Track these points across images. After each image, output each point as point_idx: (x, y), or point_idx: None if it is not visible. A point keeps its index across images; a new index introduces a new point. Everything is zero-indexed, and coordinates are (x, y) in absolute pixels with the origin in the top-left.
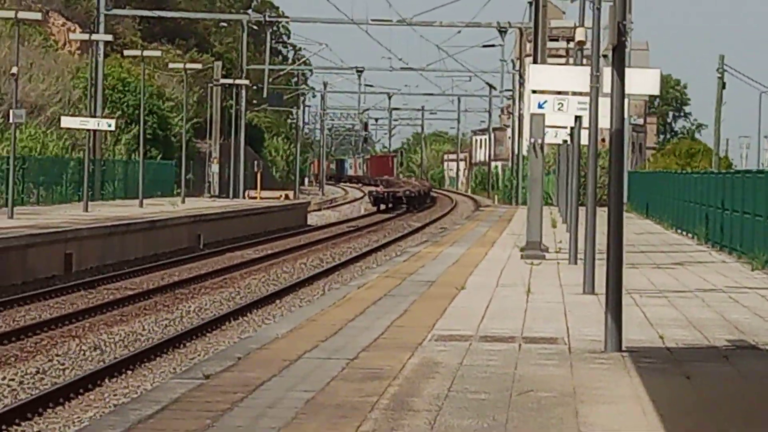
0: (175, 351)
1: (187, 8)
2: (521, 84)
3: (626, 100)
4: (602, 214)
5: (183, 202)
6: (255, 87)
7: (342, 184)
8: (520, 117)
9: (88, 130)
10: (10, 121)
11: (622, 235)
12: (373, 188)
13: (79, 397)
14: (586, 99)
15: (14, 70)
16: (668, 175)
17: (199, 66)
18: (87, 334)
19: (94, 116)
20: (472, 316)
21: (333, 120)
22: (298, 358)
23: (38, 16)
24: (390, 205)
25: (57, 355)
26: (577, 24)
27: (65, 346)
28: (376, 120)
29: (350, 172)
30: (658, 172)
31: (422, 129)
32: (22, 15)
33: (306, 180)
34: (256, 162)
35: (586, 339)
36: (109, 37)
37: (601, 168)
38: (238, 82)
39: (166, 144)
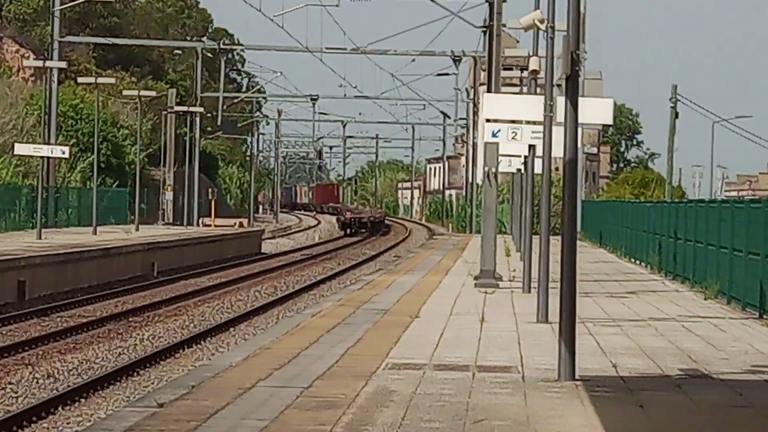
0: (129, 379)
1: (141, 35)
2: (475, 112)
3: (579, 130)
4: (556, 242)
5: (137, 229)
6: (209, 114)
7: (296, 211)
8: (475, 145)
9: (42, 157)
10: None
11: (575, 264)
12: (334, 215)
13: (32, 425)
14: (540, 128)
15: None
16: (622, 204)
17: (153, 93)
18: (40, 362)
19: (48, 143)
20: (426, 345)
21: (287, 148)
22: (252, 386)
23: None
24: (354, 230)
25: (10, 383)
26: (531, 53)
27: (18, 374)
28: (331, 148)
29: (293, 200)
30: (611, 200)
31: (376, 157)
32: None
33: (260, 208)
34: (210, 189)
35: (540, 368)
36: (63, 64)
37: (554, 197)
38: (192, 109)
39: (120, 171)
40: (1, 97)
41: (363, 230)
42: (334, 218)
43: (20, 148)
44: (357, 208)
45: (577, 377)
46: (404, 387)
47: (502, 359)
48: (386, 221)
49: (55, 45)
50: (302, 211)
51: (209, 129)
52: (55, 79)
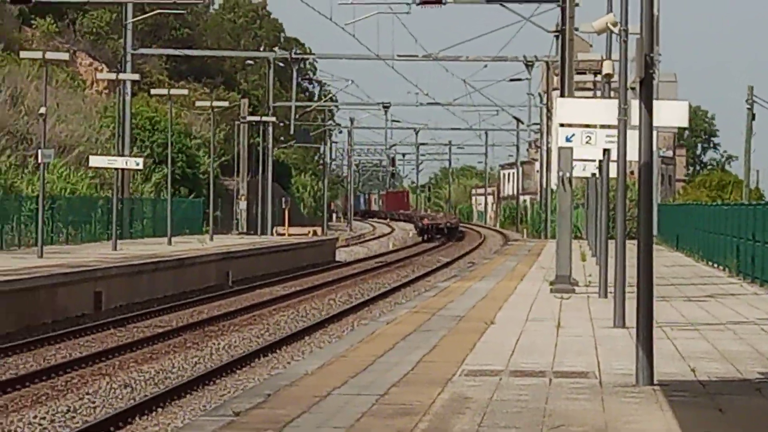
0: (205, 388)
1: (213, 46)
2: (549, 117)
3: (654, 133)
4: (632, 246)
5: (211, 239)
6: (282, 124)
7: (369, 219)
8: (548, 150)
9: (117, 169)
10: (39, 161)
11: (652, 268)
12: (406, 222)
13: None
14: (614, 132)
15: (42, 110)
16: (698, 208)
17: (226, 104)
18: (117, 372)
19: (122, 155)
20: (502, 351)
21: (360, 156)
22: (327, 394)
23: (66, 56)
24: (431, 236)
25: (87, 394)
26: (605, 57)
27: (95, 384)
28: (404, 155)
29: (363, 207)
30: (688, 204)
31: (449, 163)
32: (49, 56)
33: (333, 216)
34: (283, 198)
35: (618, 373)
36: (136, 77)
37: (630, 201)
38: (264, 119)
39: (194, 182)
40: (75, 110)
41: (439, 236)
42: (407, 225)
43: (95, 161)
44: (432, 215)
45: (655, 382)
46: (480, 393)
47: (579, 365)
48: (460, 227)
49: (128, 57)
50: (374, 219)
51: (282, 138)
52: (128, 91)
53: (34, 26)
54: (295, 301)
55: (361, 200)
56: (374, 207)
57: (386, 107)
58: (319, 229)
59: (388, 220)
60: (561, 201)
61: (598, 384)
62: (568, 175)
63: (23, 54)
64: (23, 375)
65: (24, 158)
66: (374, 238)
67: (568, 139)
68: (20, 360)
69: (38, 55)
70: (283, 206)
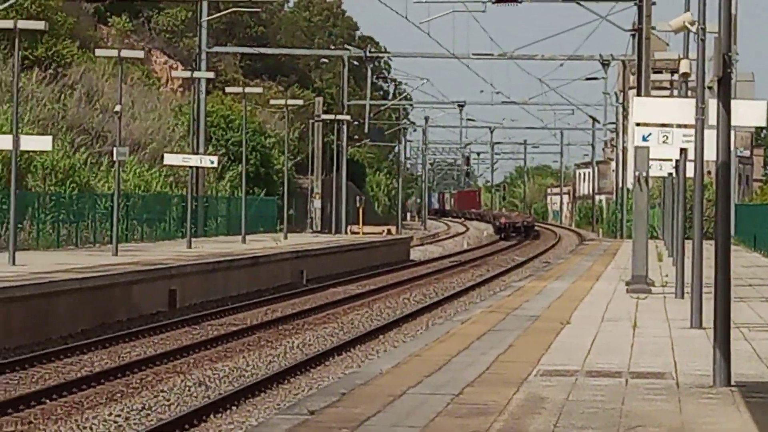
0: (280, 387)
1: (287, 45)
2: (625, 117)
3: (732, 132)
4: (709, 247)
5: (285, 237)
6: (356, 122)
7: (443, 218)
8: (624, 150)
9: (191, 167)
10: (114, 158)
11: (729, 269)
12: (479, 221)
13: None
14: (692, 131)
15: (117, 107)
16: None
17: (300, 102)
18: (192, 370)
19: (197, 153)
20: (577, 351)
21: (435, 155)
22: (402, 393)
23: (141, 54)
24: (507, 234)
25: (162, 391)
26: (681, 56)
27: (170, 382)
28: (478, 154)
29: (436, 206)
30: (766, 204)
31: (525, 163)
32: (125, 53)
33: (408, 215)
34: (357, 197)
35: (694, 374)
36: (211, 75)
37: (707, 200)
38: (339, 117)
39: (268, 180)
40: (150, 108)
41: (515, 234)
42: (481, 224)
43: (170, 159)
44: (509, 214)
45: (732, 383)
46: (556, 394)
47: (655, 365)
48: (536, 227)
49: (203, 56)
50: (448, 218)
51: (356, 137)
52: (203, 89)
53: (109, 24)
54: (369, 300)
55: (433, 199)
56: (446, 206)
57: (461, 106)
58: (393, 228)
59: (463, 219)
60: (637, 200)
61: (675, 385)
62: (644, 174)
63: (98, 52)
64: (98, 372)
65: (99, 156)
66: (448, 237)
67: (644, 139)
68: (95, 357)
69: (113, 53)
70: (357, 205)
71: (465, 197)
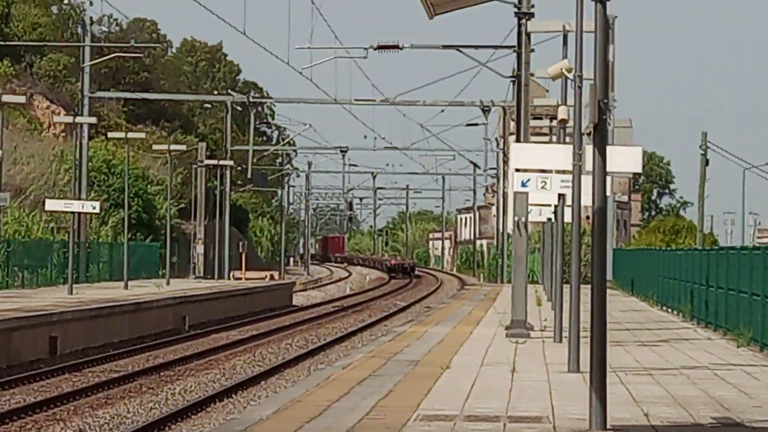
0: None
1: (171, 90)
2: (505, 162)
3: (609, 178)
4: (587, 291)
5: (168, 283)
6: (239, 168)
7: (327, 263)
8: (505, 195)
9: (73, 212)
10: None
11: (605, 313)
12: (374, 265)
13: None
14: (569, 177)
15: None
16: (653, 252)
17: (183, 147)
18: (72, 418)
19: (79, 199)
20: (457, 396)
21: (318, 200)
22: None
23: (22, 99)
24: (397, 272)
25: None
26: (560, 102)
27: (50, 429)
28: (361, 199)
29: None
30: (642, 249)
31: (407, 208)
32: (6, 98)
33: (291, 260)
34: (240, 242)
35: (572, 417)
36: (93, 120)
37: (585, 245)
38: (222, 163)
39: (151, 226)
40: (32, 153)
41: (401, 273)
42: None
43: (51, 204)
44: (395, 256)
45: (608, 427)
46: None
47: (533, 409)
48: (417, 270)
49: (86, 101)
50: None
51: (239, 182)
52: (85, 134)
53: None
54: (251, 346)
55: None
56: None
57: (344, 151)
58: (276, 274)
59: (347, 265)
60: (516, 246)
61: (552, 429)
62: (523, 219)
63: None
64: None
65: None
66: (331, 282)
67: (523, 184)
68: None
69: None
70: (240, 250)
71: (331, 242)
